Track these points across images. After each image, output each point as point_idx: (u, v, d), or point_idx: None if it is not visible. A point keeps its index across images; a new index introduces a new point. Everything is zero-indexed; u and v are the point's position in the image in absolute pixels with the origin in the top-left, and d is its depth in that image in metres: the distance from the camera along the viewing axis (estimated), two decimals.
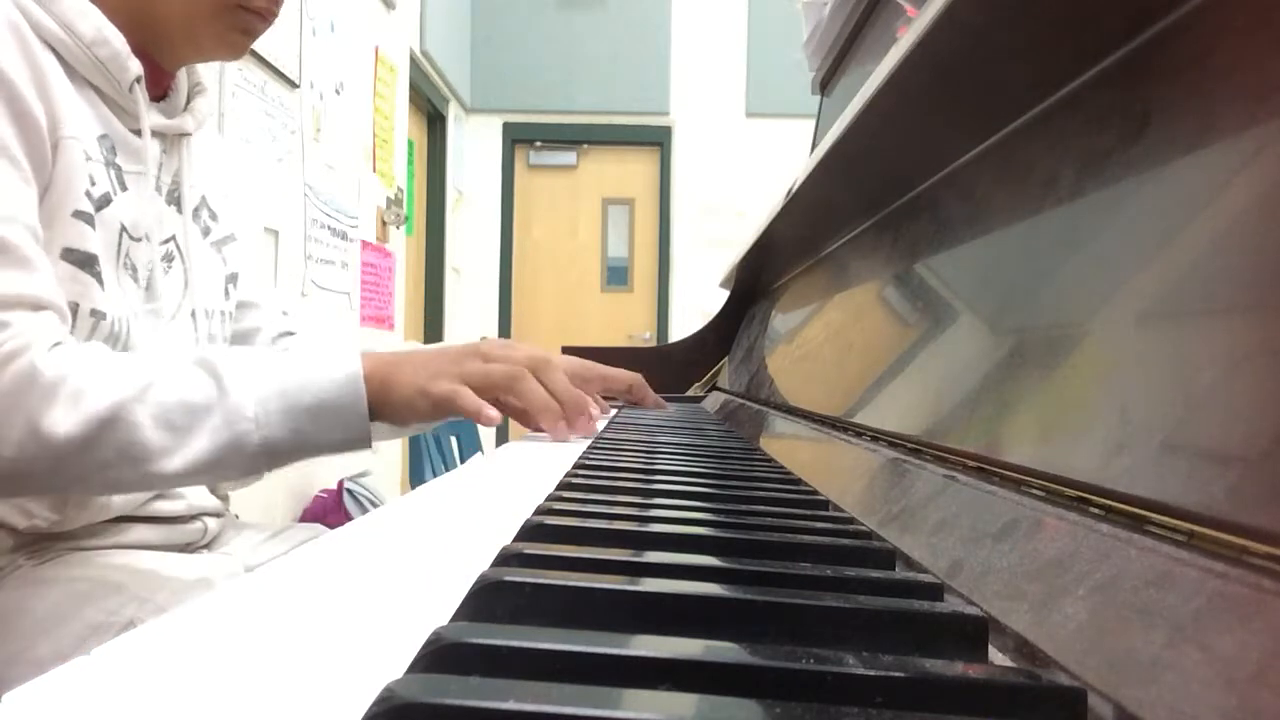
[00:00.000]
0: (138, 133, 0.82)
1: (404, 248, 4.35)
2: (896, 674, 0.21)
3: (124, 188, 0.81)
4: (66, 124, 0.74)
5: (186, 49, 0.85)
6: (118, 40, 0.78)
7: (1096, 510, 0.27)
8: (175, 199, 0.89)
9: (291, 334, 1.08)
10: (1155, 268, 0.30)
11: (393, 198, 4.07)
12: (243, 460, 0.72)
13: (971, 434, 0.39)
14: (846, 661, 0.22)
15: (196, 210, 0.93)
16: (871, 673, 0.21)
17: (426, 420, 0.80)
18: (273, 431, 0.72)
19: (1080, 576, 0.25)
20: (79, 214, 0.75)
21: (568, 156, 5.74)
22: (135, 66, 0.79)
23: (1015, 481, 0.33)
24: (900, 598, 0.29)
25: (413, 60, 4.37)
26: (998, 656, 0.26)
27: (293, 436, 0.73)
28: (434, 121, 5.09)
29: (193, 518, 0.92)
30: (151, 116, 0.84)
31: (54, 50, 0.75)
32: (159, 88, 0.87)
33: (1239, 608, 0.20)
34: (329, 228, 3.31)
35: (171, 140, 0.88)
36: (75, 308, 0.75)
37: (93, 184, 0.76)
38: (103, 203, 0.78)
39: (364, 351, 0.78)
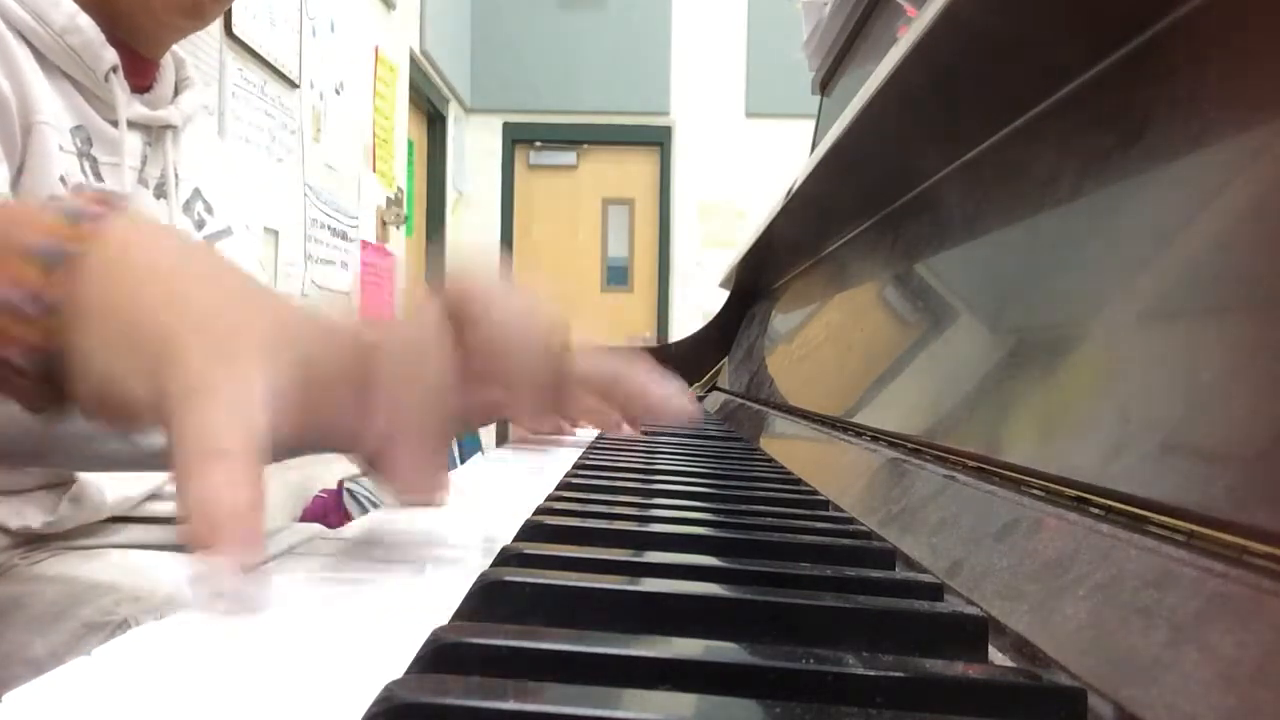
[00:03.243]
0: (116, 124, 0.82)
1: (404, 248, 4.35)
2: (896, 674, 0.21)
3: (100, 179, 0.80)
4: (40, 111, 0.74)
5: (146, 20, 0.84)
6: (91, 29, 0.77)
7: (1096, 510, 0.27)
8: (164, 193, 0.89)
9: None
10: (1155, 268, 0.30)
11: (393, 198, 4.07)
12: None
13: (971, 434, 0.39)
14: (846, 661, 0.22)
15: (189, 204, 0.92)
16: (871, 673, 0.21)
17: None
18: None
19: (1080, 576, 0.25)
20: (55, 200, 0.75)
21: (568, 156, 5.74)
22: (110, 55, 0.79)
23: (1015, 481, 0.33)
24: (900, 598, 0.29)
25: (413, 60, 4.37)
26: (998, 656, 0.26)
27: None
28: (434, 121, 5.09)
29: None
30: (133, 108, 0.83)
31: (26, 41, 0.75)
32: (143, 78, 0.87)
33: (1239, 608, 0.19)
34: (329, 228, 3.31)
35: (157, 133, 0.88)
36: None
37: (66, 174, 0.76)
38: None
39: None
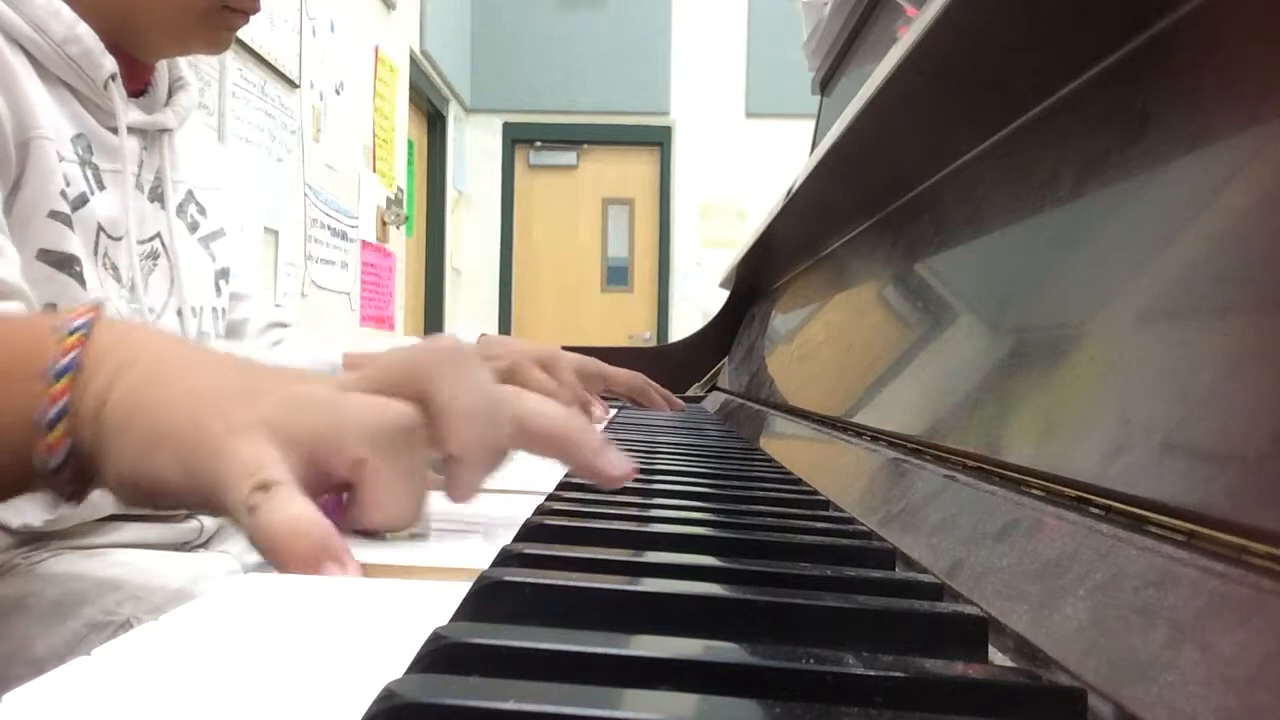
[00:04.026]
0: (115, 130, 0.82)
1: (404, 248, 4.35)
2: (896, 674, 0.21)
3: (102, 187, 0.80)
4: (39, 124, 0.74)
5: (170, 46, 0.85)
6: (90, 38, 0.77)
7: (1096, 510, 0.27)
8: (158, 196, 0.88)
9: (284, 325, 1.07)
10: (1155, 268, 0.30)
11: (393, 198, 4.07)
12: None
13: (971, 434, 0.39)
14: (846, 661, 0.22)
15: (182, 206, 0.92)
16: (871, 673, 0.21)
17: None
18: None
19: (1080, 576, 0.25)
20: (55, 214, 0.75)
21: (568, 156, 5.74)
22: (109, 64, 0.79)
23: (1015, 481, 0.33)
24: (900, 598, 0.29)
25: (413, 60, 4.37)
26: (998, 656, 0.26)
27: None
28: (434, 121, 5.09)
29: (188, 516, 0.92)
30: (130, 113, 0.83)
31: (24, 50, 0.75)
32: (138, 83, 0.87)
33: (1239, 608, 0.20)
34: (329, 228, 3.31)
35: (152, 136, 0.87)
36: (53, 309, 0.74)
37: (68, 184, 0.76)
38: (79, 203, 0.77)
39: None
